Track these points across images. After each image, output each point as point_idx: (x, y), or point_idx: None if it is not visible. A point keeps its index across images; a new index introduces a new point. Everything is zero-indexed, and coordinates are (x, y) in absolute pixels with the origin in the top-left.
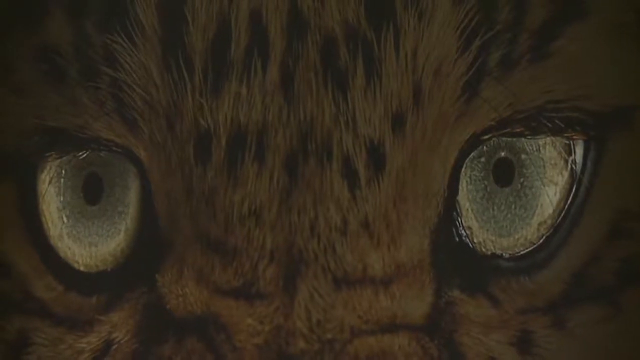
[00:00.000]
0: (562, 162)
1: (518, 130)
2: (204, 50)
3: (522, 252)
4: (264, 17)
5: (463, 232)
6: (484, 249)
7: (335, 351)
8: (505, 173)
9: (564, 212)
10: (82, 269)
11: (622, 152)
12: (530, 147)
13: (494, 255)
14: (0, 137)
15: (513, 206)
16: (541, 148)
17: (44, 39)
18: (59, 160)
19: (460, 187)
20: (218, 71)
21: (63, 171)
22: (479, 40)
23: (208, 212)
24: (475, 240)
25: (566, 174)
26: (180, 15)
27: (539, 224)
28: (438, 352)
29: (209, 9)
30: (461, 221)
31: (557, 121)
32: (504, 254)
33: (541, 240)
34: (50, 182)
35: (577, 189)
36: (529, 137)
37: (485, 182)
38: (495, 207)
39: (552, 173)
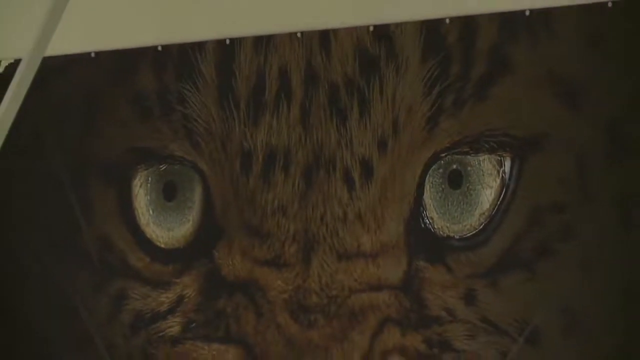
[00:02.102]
0: (495, 172)
1: (465, 150)
2: (246, 94)
3: (468, 235)
4: (288, 71)
5: (427, 221)
6: (441, 233)
7: (338, 303)
8: (456, 180)
9: (496, 207)
10: (162, 246)
11: (536, 165)
12: (474, 162)
13: (448, 237)
14: (106, 155)
15: (461, 203)
16: (481, 162)
17: (137, 88)
18: (146, 171)
19: (425, 190)
20: (256, 109)
21: (149, 178)
22: (438, 88)
23: (249, 207)
24: (435, 226)
25: (498, 180)
26: (230, 70)
27: (480, 215)
28: (409, 304)
29: (250, 66)
30: (426, 213)
31: (492, 144)
32: (455, 236)
33: (481, 226)
34: (140, 186)
35: (505, 191)
36: (473, 155)
37: (443, 186)
38: (449, 204)
39: (488, 180)
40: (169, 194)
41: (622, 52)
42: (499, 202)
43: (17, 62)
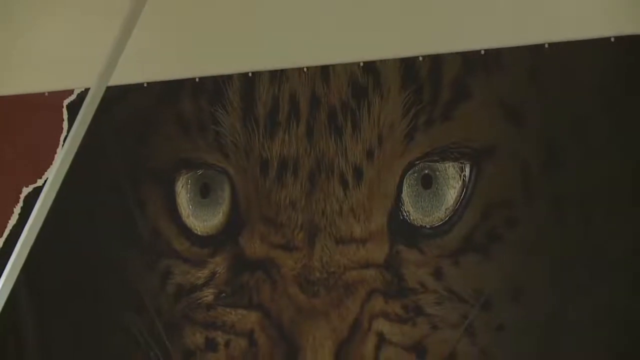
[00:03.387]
0: (457, 176)
1: (434, 159)
2: (264, 115)
3: (436, 225)
4: (297, 97)
5: (404, 214)
6: (416, 223)
7: (336, 278)
8: (427, 182)
9: (458, 203)
10: (199, 233)
11: (489, 170)
12: (441, 168)
13: (421, 226)
14: (156, 163)
15: (431, 200)
16: (447, 168)
17: (179, 111)
18: (186, 175)
19: (403, 189)
20: (272, 127)
21: (189, 181)
22: (413, 110)
23: (267, 203)
24: (411, 218)
25: (460, 182)
26: (252, 97)
27: (445, 209)
28: (390, 278)
29: (267, 93)
30: (403, 208)
31: (455, 154)
32: (426, 226)
33: (446, 218)
34: (182, 187)
35: (465, 191)
36: (440, 162)
37: (417, 187)
38: (422, 200)
39: (452, 182)
40: (204, 193)
41: (556, 84)
42: (460, 199)
43: (86, 90)
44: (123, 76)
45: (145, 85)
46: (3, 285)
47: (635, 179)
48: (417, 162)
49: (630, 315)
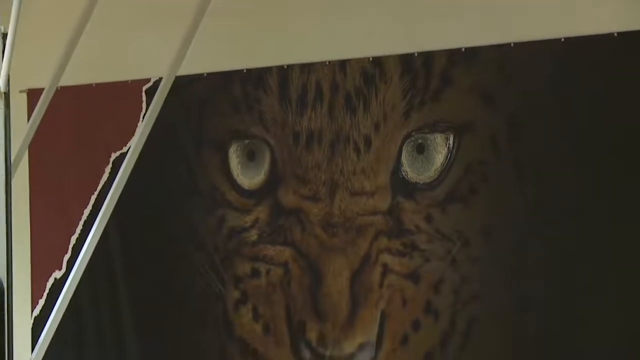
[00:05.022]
0: (444, 144)
1: (426, 131)
2: (297, 97)
3: (427, 181)
4: (321, 84)
5: (403, 173)
6: (412, 180)
7: (351, 222)
8: (420, 148)
9: (444, 165)
10: (246, 188)
11: (468, 139)
12: (431, 138)
13: (416, 183)
14: (214, 134)
15: (424, 162)
16: (436, 138)
17: (232, 95)
18: (237, 144)
19: (402, 154)
20: (302, 106)
21: (239, 148)
22: (410, 94)
23: (298, 165)
24: (408, 176)
25: (445, 149)
26: (286, 83)
27: (434, 170)
28: (392, 222)
29: (298, 80)
30: (402, 168)
31: (442, 127)
32: (420, 182)
33: (435, 177)
34: (233, 153)
35: (449, 155)
36: (430, 134)
37: (413, 153)
38: (416, 163)
39: (440, 149)
40: (250, 157)
41: (519, 74)
42: (446, 162)
43: (160, 79)
44: (188, 68)
45: (205, 75)
46: (97, 227)
47: (578, 148)
48: (413, 133)
49: (572, 248)
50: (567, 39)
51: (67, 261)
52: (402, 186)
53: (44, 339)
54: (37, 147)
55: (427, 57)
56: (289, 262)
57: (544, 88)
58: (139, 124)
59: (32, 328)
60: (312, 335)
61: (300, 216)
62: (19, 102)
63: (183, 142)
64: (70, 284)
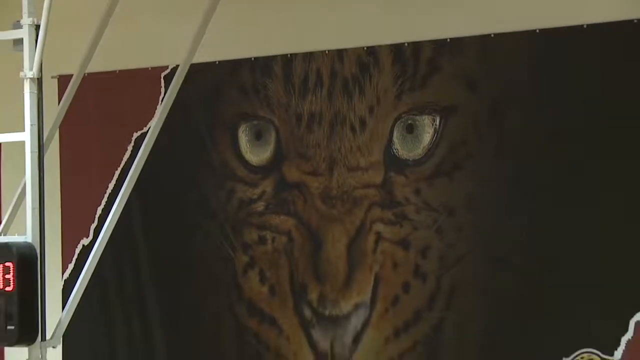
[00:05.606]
0: (431, 125)
1: (415, 113)
2: (300, 83)
3: (416, 158)
4: (321, 71)
5: (394, 150)
6: (402, 157)
7: (348, 194)
8: (410, 129)
9: (432, 143)
10: (253, 164)
11: (452, 121)
12: (420, 119)
13: (406, 159)
14: (225, 116)
15: (413, 141)
16: (424, 120)
17: (241, 81)
18: (246, 124)
19: (394, 134)
20: (304, 90)
21: (247, 128)
22: (400, 80)
23: (300, 143)
24: (399, 154)
25: (432, 129)
26: (290, 70)
27: (422, 148)
28: (385, 195)
29: (301, 68)
30: (393, 146)
31: (430, 110)
32: (410, 159)
33: (423, 154)
34: (242, 132)
35: (436, 135)
36: (419, 115)
37: (403, 132)
38: (406, 141)
39: (427, 129)
40: (257, 136)
41: (499, 62)
42: (433, 141)
43: (176, 66)
44: (201, 56)
45: (217, 62)
46: (120, 199)
47: (553, 129)
48: (404, 115)
49: (546, 218)
50: (542, 30)
51: (94, 229)
52: (393, 162)
53: (73, 299)
54: (67, 127)
55: (416, 46)
56: (292, 231)
57: (522, 75)
58: (158, 106)
59: (62, 289)
60: (313, 296)
61: (303, 189)
62: (50, 87)
63: (197, 123)
64: (96, 249)
